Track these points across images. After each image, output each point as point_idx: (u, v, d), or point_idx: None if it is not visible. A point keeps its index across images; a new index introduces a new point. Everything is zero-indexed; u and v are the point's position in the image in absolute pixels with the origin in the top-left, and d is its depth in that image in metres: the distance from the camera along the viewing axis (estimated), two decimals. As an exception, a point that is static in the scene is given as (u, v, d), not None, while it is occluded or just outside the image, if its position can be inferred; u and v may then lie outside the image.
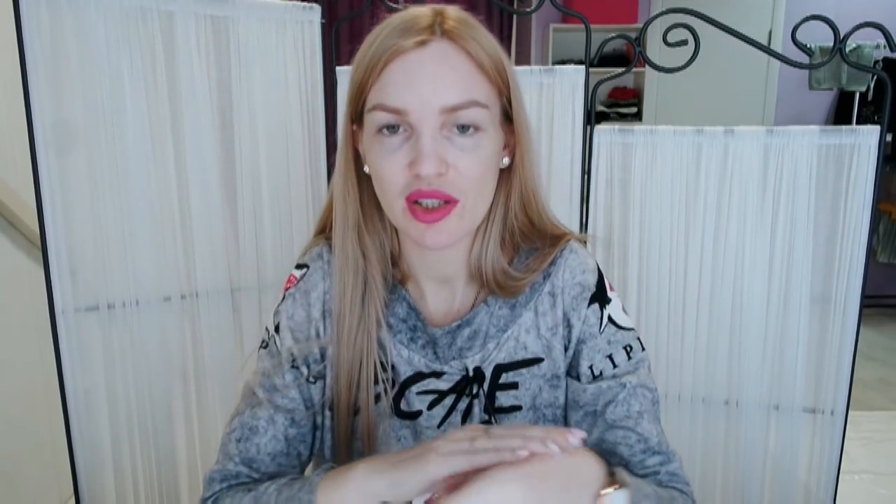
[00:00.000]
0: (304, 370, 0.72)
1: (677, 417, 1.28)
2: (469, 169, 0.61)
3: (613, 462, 0.68)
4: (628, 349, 0.71)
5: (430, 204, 0.61)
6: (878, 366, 3.08)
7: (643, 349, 0.73)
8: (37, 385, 1.68)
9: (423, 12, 0.62)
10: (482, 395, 0.71)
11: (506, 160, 0.68)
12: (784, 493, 1.25)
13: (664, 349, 1.27)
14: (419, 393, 0.71)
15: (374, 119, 0.61)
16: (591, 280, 0.72)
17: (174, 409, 1.26)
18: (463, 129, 0.60)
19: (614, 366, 0.70)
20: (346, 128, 0.67)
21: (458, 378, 0.71)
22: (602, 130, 1.23)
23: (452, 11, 0.63)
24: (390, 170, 0.61)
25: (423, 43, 0.59)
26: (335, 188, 0.69)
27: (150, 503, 1.25)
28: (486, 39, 0.62)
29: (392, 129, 0.61)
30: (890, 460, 2.25)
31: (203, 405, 1.29)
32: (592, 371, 0.70)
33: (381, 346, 0.71)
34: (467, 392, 0.71)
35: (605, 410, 0.69)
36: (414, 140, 0.60)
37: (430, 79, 0.59)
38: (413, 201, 0.62)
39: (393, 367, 0.71)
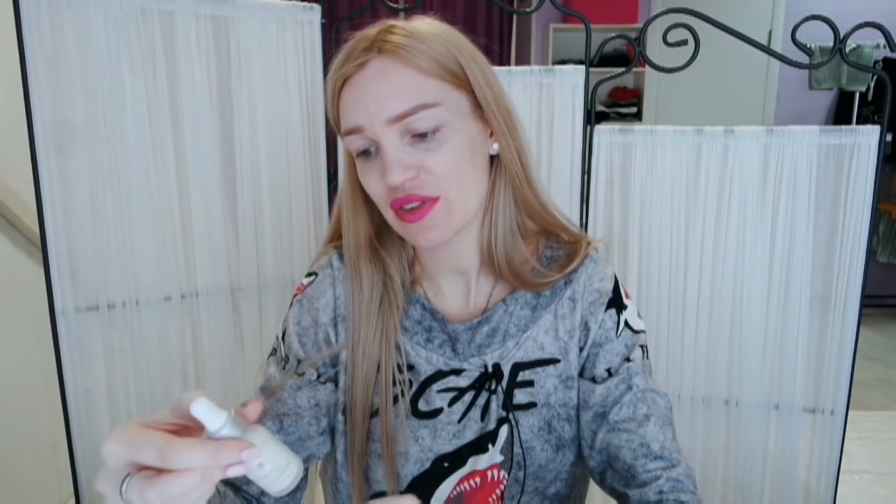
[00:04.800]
0: (313, 373, 0.72)
1: (677, 417, 1.26)
2: (438, 166, 0.63)
3: (617, 466, 0.68)
4: (644, 349, 0.74)
5: (411, 206, 0.64)
6: (878, 365, 3.09)
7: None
8: (37, 385, 1.68)
9: (366, 34, 0.64)
10: (500, 392, 0.72)
11: (495, 146, 0.69)
12: (784, 493, 1.25)
13: (664, 349, 1.27)
14: (440, 391, 0.72)
15: (346, 143, 0.66)
16: (609, 286, 0.74)
17: (174, 409, 1.26)
18: (422, 135, 0.62)
19: (629, 361, 0.72)
20: (345, 148, 0.69)
21: (477, 374, 0.72)
22: (602, 130, 1.23)
23: (401, 26, 0.64)
24: (371, 184, 0.66)
25: (362, 65, 0.63)
26: (343, 209, 0.72)
27: (150, 503, 1.25)
28: (437, 43, 0.63)
29: (365, 153, 0.65)
30: (890, 460, 2.25)
31: (203, 405, 1.28)
32: (610, 373, 0.72)
33: (399, 349, 0.72)
34: (486, 387, 0.72)
35: (610, 411, 0.70)
36: (381, 154, 0.63)
37: (373, 94, 0.62)
38: (398, 207, 0.65)
39: (413, 367, 0.73)
